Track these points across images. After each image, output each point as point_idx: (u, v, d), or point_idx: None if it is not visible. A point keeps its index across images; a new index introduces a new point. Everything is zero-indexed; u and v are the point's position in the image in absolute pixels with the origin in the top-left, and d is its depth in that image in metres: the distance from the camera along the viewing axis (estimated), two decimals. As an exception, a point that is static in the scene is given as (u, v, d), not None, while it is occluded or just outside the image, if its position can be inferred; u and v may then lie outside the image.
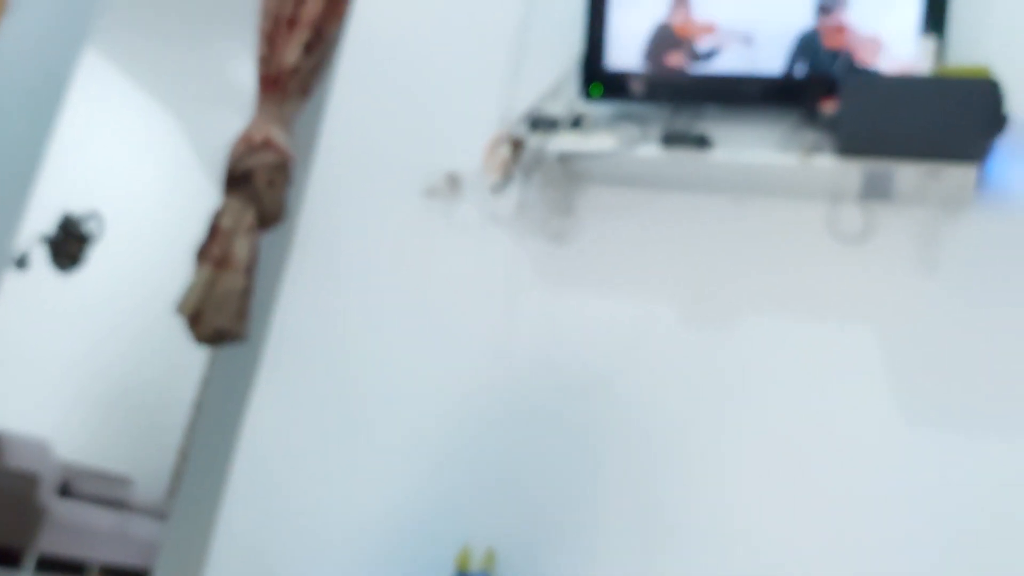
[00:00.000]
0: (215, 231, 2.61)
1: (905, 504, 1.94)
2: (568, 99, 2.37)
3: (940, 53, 2.02)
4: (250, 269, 2.59)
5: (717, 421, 2.10)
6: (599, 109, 2.34)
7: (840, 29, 2.10)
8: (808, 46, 2.13)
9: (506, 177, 2.33)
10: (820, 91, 2.08)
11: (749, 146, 2.20)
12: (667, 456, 2.12)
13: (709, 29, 2.20)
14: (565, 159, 2.28)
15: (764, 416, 2.07)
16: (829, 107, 2.04)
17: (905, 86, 1.95)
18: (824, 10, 2.11)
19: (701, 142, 2.13)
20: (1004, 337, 1.96)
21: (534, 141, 2.26)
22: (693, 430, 2.11)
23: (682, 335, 2.17)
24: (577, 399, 2.20)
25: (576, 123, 2.27)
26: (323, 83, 2.81)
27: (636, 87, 2.26)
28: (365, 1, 2.74)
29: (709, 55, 2.20)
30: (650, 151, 2.17)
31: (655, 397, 2.15)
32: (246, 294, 2.58)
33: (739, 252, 2.19)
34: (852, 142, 1.95)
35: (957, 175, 1.95)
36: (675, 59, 2.22)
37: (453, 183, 2.44)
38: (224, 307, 2.53)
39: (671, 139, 2.15)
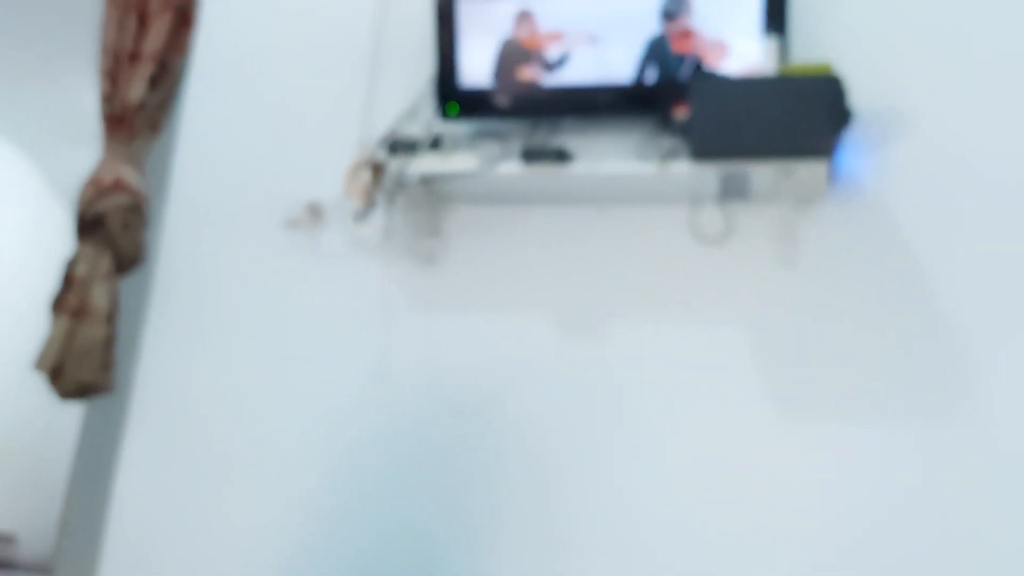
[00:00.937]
0: (70, 280, 2.49)
1: (786, 497, 1.97)
2: (426, 120, 2.34)
3: (783, 52, 2.06)
4: (111, 317, 2.48)
5: (599, 429, 2.11)
6: (458, 128, 2.32)
7: (686, 34, 2.12)
8: (657, 52, 2.14)
9: (369, 203, 2.28)
10: (671, 97, 2.09)
11: (608, 155, 2.21)
12: (555, 469, 2.11)
13: (556, 36, 2.20)
14: (427, 181, 2.25)
15: (645, 420, 2.09)
16: (681, 112, 2.06)
17: (751, 87, 1.98)
18: (669, 16, 2.13)
19: (560, 156, 2.12)
20: (864, 325, 2.01)
21: (394, 164, 2.23)
22: (577, 441, 2.11)
23: (557, 347, 2.17)
24: (460, 423, 2.17)
25: (435, 144, 2.24)
26: (172, 117, 2.71)
27: (491, 104, 2.24)
28: (210, 30, 2.65)
29: (560, 62, 2.20)
30: (511, 168, 2.16)
31: (536, 412, 2.14)
32: (109, 343, 2.47)
33: (606, 261, 2.19)
34: (705, 146, 1.97)
35: (809, 171, 1.99)
36: (527, 73, 2.21)
37: (315, 212, 2.38)
38: (86, 359, 2.42)
39: (531, 155, 2.14)
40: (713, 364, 2.08)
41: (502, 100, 2.23)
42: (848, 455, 1.96)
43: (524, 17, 2.21)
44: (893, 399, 1.96)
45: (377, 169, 2.25)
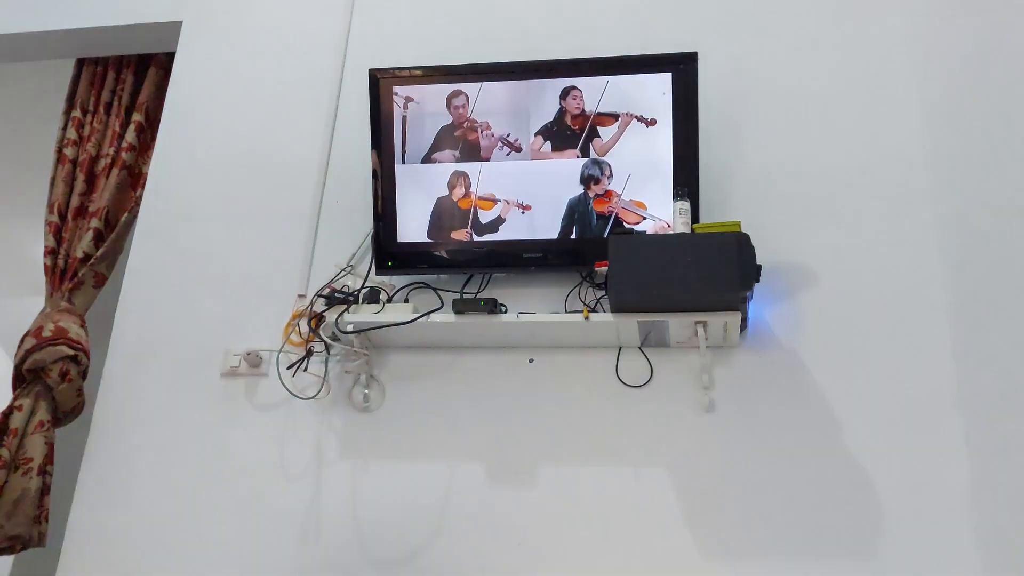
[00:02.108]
0: (4, 431, 2.50)
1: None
2: (363, 273, 2.45)
3: (695, 211, 2.23)
4: (45, 469, 2.48)
5: (529, 572, 2.14)
6: (394, 280, 2.43)
7: (607, 195, 2.29)
8: (579, 212, 2.30)
9: (306, 353, 2.36)
10: (592, 253, 2.24)
11: (537, 306, 2.33)
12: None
13: (490, 201, 2.35)
14: (363, 331, 2.33)
15: (574, 562, 2.12)
16: (602, 268, 2.19)
17: (666, 244, 2.10)
18: (590, 180, 2.30)
19: (492, 307, 2.23)
20: (779, 466, 2.11)
21: (332, 316, 2.31)
22: (510, 586, 2.14)
23: (490, 492, 2.21)
24: (392, 574, 2.19)
25: (372, 296, 2.34)
26: (116, 268, 2.77)
27: (426, 258, 2.36)
28: (156, 183, 2.75)
29: (493, 225, 2.34)
30: (445, 319, 2.26)
31: (468, 558, 2.17)
32: (42, 496, 2.45)
33: (536, 405, 2.27)
34: (624, 300, 2.10)
35: (723, 321, 2.12)
36: (461, 230, 2.35)
37: (253, 363, 2.44)
38: (18, 512, 2.40)
39: (464, 306, 2.24)
40: (639, 504, 2.14)
41: (438, 256, 2.36)
42: (770, 594, 2.02)
43: (460, 180, 2.36)
44: (810, 539, 2.04)
45: (316, 320, 2.34)
